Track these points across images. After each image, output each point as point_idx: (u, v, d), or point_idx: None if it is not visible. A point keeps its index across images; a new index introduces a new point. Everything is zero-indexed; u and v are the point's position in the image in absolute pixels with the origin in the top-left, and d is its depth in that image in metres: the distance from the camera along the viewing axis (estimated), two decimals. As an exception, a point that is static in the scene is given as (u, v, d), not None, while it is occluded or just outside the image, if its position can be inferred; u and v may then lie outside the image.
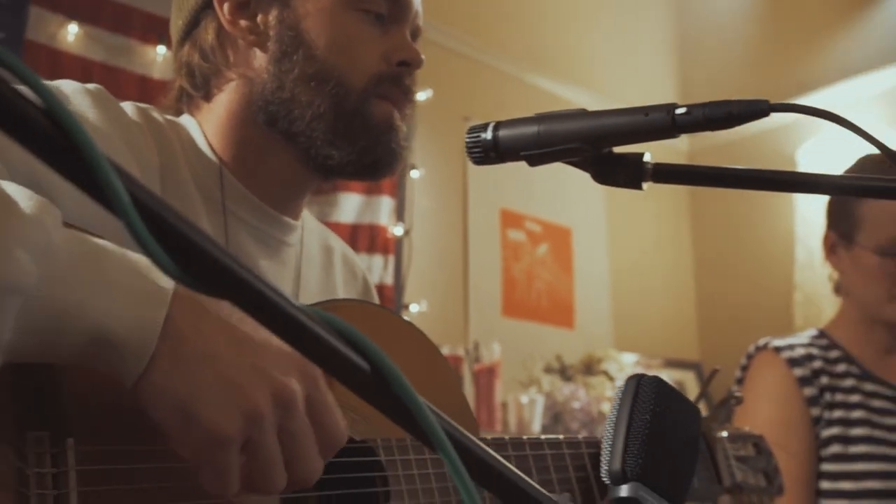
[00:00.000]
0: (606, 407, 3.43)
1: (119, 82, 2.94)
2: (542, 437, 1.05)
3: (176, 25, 1.19)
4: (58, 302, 0.63)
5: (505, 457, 0.97)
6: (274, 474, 0.70)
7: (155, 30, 3.11)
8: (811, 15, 4.75)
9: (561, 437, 1.06)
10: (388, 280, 3.60)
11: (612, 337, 4.43)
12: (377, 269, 3.56)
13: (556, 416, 3.42)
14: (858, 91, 4.48)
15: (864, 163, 1.90)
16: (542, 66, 4.57)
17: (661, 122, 0.81)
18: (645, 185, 0.88)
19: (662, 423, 0.67)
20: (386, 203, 3.58)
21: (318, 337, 0.50)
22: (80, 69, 2.88)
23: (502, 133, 0.88)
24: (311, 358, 0.50)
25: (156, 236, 0.44)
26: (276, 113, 1.10)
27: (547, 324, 4.18)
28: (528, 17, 4.61)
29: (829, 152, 4.32)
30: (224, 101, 1.14)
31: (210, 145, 1.13)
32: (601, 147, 0.86)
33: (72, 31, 2.96)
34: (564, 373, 3.72)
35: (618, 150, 0.87)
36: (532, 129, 0.87)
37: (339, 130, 1.10)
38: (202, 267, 0.47)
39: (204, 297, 0.71)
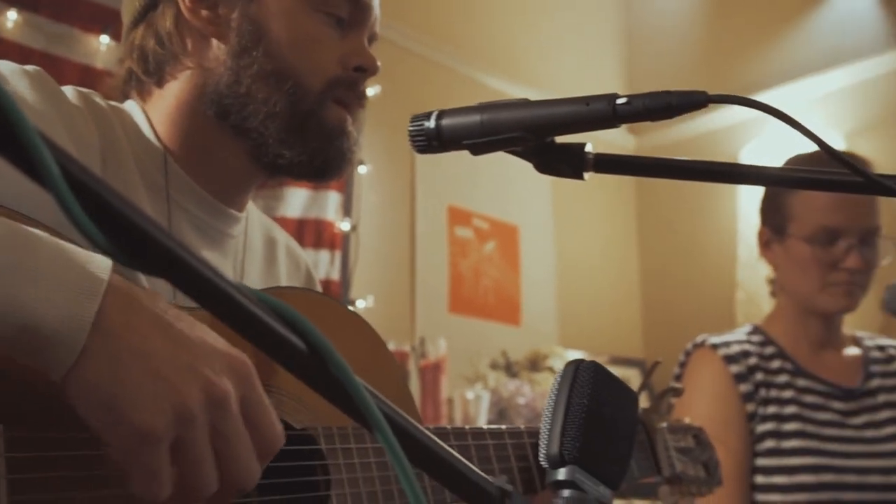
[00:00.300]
0: (551, 403, 3.45)
1: (60, 71, 2.89)
2: (485, 427, 1.05)
3: (131, 6, 1.16)
4: None
5: (464, 445, 0.98)
6: (205, 476, 0.68)
7: (99, 19, 3.05)
8: (756, 18, 4.83)
9: (503, 427, 1.07)
10: (335, 275, 3.58)
11: (557, 334, 4.46)
12: (324, 264, 3.55)
13: (501, 411, 3.44)
14: (800, 94, 4.57)
15: (796, 161, 1.96)
16: (491, 63, 4.58)
17: (603, 112, 0.81)
18: (587, 175, 0.89)
19: (600, 407, 0.68)
20: (333, 198, 3.57)
21: (255, 316, 0.49)
22: (19, 57, 2.81)
23: (445, 122, 0.88)
24: (248, 337, 0.50)
25: (88, 211, 0.44)
26: (229, 107, 1.09)
27: (493, 320, 4.20)
28: (477, 15, 4.62)
29: (772, 152, 4.40)
30: (175, 89, 1.12)
31: (155, 132, 1.11)
32: (544, 136, 0.86)
33: (11, 17, 2.89)
34: (510, 369, 3.73)
35: (561, 140, 0.88)
36: (475, 118, 0.87)
37: (293, 130, 1.09)
38: (135, 242, 0.46)
39: (139, 292, 0.69)
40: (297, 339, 0.51)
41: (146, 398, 0.65)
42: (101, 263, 0.67)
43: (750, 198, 4.48)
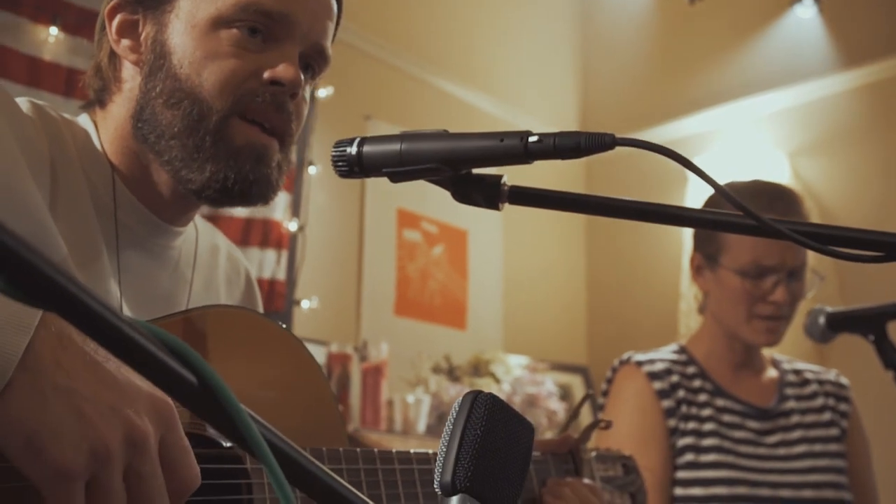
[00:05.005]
0: (490, 409, 3.48)
1: (5, 62, 2.85)
2: (394, 450, 1.07)
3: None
4: None
5: (354, 469, 1.00)
6: None
7: (49, 9, 3.02)
8: (708, 35, 4.91)
9: (412, 450, 1.08)
10: (281, 275, 3.58)
11: (501, 339, 4.50)
12: (270, 263, 3.54)
13: (441, 416, 3.46)
14: (748, 111, 4.66)
15: (732, 188, 2.02)
16: (445, 68, 4.61)
17: (514, 148, 0.85)
18: (502, 206, 0.92)
19: (494, 438, 0.70)
20: (282, 198, 3.57)
21: (148, 351, 0.51)
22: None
23: (366, 149, 0.91)
24: (143, 372, 0.52)
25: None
26: (144, 131, 1.10)
27: (438, 324, 4.23)
28: (434, 19, 4.65)
29: (720, 167, 4.49)
30: (115, 114, 1.15)
31: (104, 150, 1.14)
32: (458, 169, 0.89)
33: (-43, 6, 2.86)
34: (452, 373, 3.76)
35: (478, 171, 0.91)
36: (395, 147, 0.89)
37: (191, 152, 1.07)
38: (26, 278, 0.48)
39: (71, 329, 0.70)
40: (189, 374, 0.53)
41: (65, 435, 0.66)
42: None
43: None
